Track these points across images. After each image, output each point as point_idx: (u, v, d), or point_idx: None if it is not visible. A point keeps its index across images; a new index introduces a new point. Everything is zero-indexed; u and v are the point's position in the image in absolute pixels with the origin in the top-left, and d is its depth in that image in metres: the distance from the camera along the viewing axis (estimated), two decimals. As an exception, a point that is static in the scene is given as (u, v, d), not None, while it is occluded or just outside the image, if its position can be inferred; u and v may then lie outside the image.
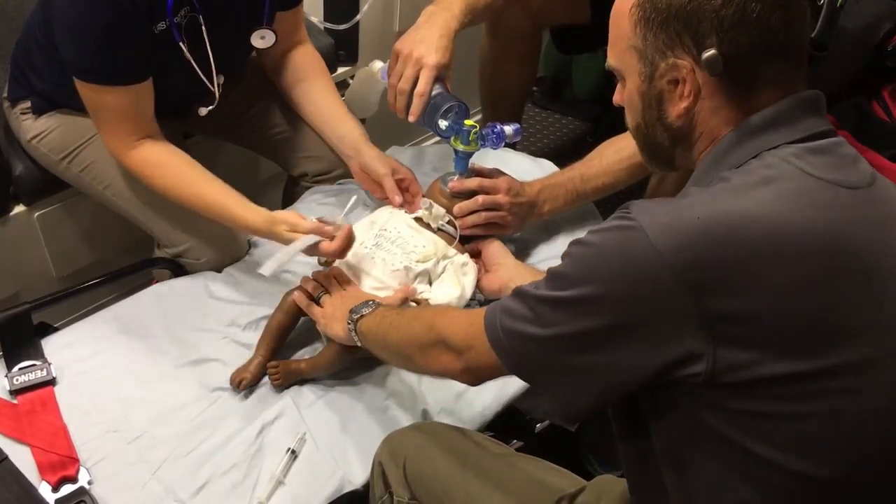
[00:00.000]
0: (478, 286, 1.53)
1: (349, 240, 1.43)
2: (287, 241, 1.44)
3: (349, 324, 1.28)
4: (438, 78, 1.53)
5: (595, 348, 0.90)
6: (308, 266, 1.58)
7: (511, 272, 1.50)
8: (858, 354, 0.86)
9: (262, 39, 1.62)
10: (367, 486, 1.30)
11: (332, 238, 1.42)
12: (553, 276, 0.93)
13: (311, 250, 1.43)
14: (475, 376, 1.09)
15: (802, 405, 0.86)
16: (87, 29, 1.42)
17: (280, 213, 1.47)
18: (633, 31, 0.96)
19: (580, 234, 1.67)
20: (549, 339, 0.92)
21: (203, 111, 1.66)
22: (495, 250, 1.54)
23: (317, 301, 1.42)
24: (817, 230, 0.86)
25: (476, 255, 1.57)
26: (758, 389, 0.86)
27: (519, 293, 0.97)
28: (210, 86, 1.60)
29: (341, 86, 2.12)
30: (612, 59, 1.02)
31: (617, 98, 1.05)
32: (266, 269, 1.39)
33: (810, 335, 0.85)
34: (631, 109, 1.02)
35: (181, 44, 1.50)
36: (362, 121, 1.82)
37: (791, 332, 0.85)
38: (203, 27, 1.51)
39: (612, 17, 1.00)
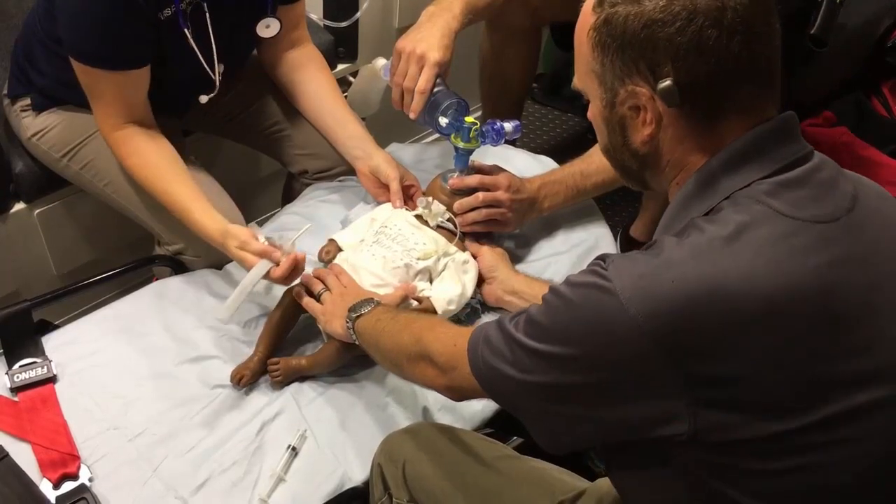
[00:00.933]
0: (478, 287, 1.53)
1: (296, 267, 1.41)
2: (235, 257, 1.45)
3: (347, 322, 1.28)
4: (440, 76, 1.53)
5: (571, 400, 0.90)
6: (309, 264, 1.58)
7: (504, 286, 1.49)
8: (850, 403, 0.84)
9: (266, 28, 1.63)
10: (367, 484, 1.30)
11: (278, 264, 1.39)
12: (531, 321, 0.92)
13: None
14: (459, 395, 1.10)
15: (795, 459, 0.85)
16: (91, 12, 1.42)
17: (233, 228, 1.45)
18: (591, 54, 0.93)
19: (580, 230, 1.70)
20: (526, 383, 0.91)
21: (203, 99, 1.66)
22: (487, 262, 1.52)
23: (317, 298, 1.42)
24: (796, 283, 0.83)
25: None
26: (745, 447, 0.84)
27: (501, 327, 0.96)
28: (211, 73, 1.60)
29: (341, 83, 2.11)
30: (577, 80, 0.98)
31: (589, 115, 1.01)
32: (224, 314, 1.37)
33: (797, 393, 0.83)
34: (598, 131, 1.00)
35: (186, 30, 1.50)
36: (363, 119, 1.82)
37: (776, 392, 0.83)
38: (207, 14, 1.51)
39: (574, 37, 0.96)
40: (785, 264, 0.83)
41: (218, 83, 1.64)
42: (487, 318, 1.54)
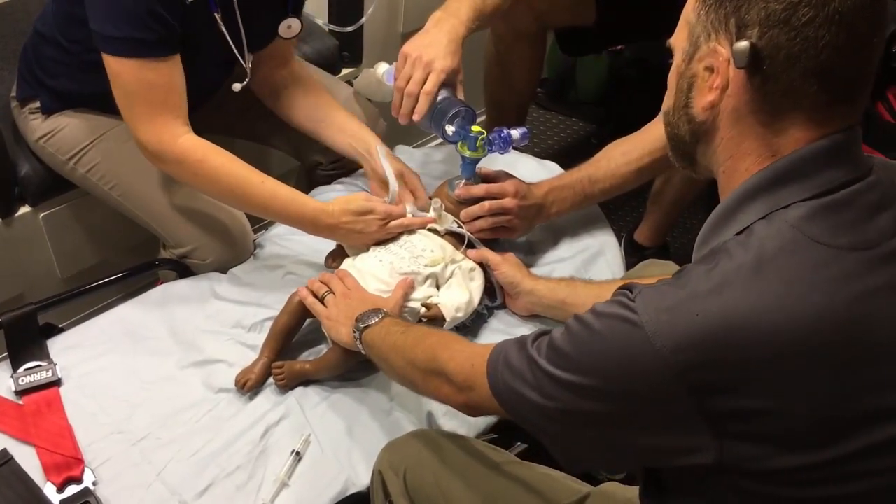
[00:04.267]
0: (485, 293, 1.52)
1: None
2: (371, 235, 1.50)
3: (355, 332, 1.28)
4: (447, 82, 1.52)
5: (591, 427, 0.90)
6: (315, 268, 1.59)
7: (531, 298, 1.48)
8: (885, 435, 0.82)
9: (288, 28, 1.62)
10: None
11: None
12: (554, 347, 0.91)
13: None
14: (476, 412, 1.10)
15: (833, 489, 0.83)
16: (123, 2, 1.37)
17: (357, 204, 1.50)
18: (693, 3, 0.91)
19: (585, 235, 1.70)
20: (547, 408, 0.91)
21: (237, 87, 1.62)
22: (508, 278, 1.49)
23: (321, 300, 1.41)
24: (825, 316, 0.81)
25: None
26: (780, 476, 0.83)
27: (523, 349, 0.95)
28: (242, 60, 1.57)
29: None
30: (674, 36, 0.96)
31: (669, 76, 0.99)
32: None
33: (827, 427, 0.82)
34: (668, 91, 0.97)
35: (216, 14, 1.47)
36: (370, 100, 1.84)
37: (805, 426, 0.81)
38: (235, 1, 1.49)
39: None
40: (814, 296, 0.81)
41: (249, 71, 1.60)
42: (494, 322, 1.54)
